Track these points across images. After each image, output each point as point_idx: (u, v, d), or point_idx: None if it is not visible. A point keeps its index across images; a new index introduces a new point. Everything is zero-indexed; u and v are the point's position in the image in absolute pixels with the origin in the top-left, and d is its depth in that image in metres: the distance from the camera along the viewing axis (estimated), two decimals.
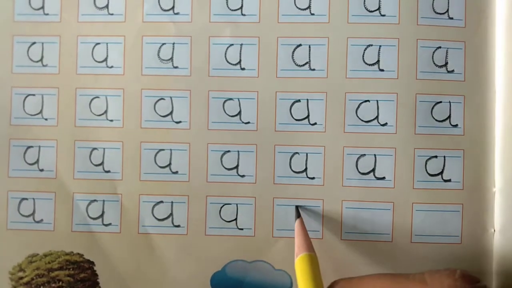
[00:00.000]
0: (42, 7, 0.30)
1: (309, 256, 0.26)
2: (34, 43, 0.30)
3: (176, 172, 0.29)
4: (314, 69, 0.29)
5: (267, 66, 0.29)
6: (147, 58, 0.30)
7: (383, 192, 0.29)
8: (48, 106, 0.30)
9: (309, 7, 0.29)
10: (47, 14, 0.30)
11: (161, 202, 0.29)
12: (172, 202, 0.29)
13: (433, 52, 0.29)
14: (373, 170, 0.29)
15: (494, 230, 0.28)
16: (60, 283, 0.29)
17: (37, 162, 0.30)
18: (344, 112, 0.29)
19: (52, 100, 0.30)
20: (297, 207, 0.29)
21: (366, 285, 0.24)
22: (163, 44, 0.30)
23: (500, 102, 0.28)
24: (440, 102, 0.29)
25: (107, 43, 0.30)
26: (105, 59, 0.30)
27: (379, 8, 0.29)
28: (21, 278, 0.30)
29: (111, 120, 0.30)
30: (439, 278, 0.23)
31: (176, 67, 0.30)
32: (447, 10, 0.29)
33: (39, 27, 0.30)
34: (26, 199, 0.30)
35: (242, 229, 0.29)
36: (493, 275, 0.28)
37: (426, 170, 0.29)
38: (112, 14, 0.30)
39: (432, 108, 0.29)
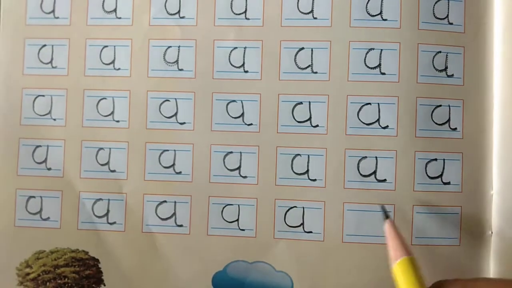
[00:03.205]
0: (53, 11, 0.32)
1: (410, 260, 0.25)
2: (44, 45, 0.32)
3: (179, 173, 0.31)
4: (316, 72, 0.30)
5: (270, 69, 0.31)
6: (153, 61, 0.31)
7: (384, 195, 0.30)
8: (56, 106, 0.32)
9: (311, 11, 0.31)
10: (57, 18, 0.32)
11: (165, 201, 0.31)
12: (175, 202, 0.31)
13: (433, 57, 0.30)
14: (374, 172, 0.30)
15: (492, 232, 0.29)
16: (66, 279, 0.31)
17: (45, 161, 0.32)
18: (346, 114, 0.30)
19: (61, 101, 0.32)
20: (383, 206, 0.28)
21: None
22: (169, 47, 0.31)
23: (498, 106, 0.30)
24: (440, 105, 0.30)
25: (114, 46, 0.32)
26: (113, 62, 0.32)
27: (380, 13, 0.30)
28: (28, 274, 0.31)
29: (118, 121, 0.32)
30: None
31: (181, 70, 0.31)
32: (447, 16, 0.30)
33: (50, 30, 0.32)
34: (34, 197, 0.32)
35: (243, 229, 0.31)
36: (490, 276, 0.29)
37: (426, 172, 0.30)
38: (120, 18, 0.32)
39: (432, 111, 0.30)
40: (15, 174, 0.32)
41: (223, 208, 0.31)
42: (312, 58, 0.31)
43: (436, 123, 0.30)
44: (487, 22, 0.30)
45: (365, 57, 0.30)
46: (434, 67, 0.30)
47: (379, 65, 0.30)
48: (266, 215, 0.30)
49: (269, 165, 0.30)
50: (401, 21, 0.30)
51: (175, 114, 0.31)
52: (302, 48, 0.31)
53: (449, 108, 0.30)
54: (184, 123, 0.31)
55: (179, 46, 0.31)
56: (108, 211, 0.31)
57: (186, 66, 0.31)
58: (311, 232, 0.30)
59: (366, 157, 0.30)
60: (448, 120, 0.30)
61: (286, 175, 0.30)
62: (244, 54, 0.31)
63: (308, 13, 0.31)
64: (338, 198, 0.30)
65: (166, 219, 0.31)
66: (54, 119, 0.32)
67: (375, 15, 0.30)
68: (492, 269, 0.29)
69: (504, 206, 0.29)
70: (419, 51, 0.30)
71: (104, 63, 0.32)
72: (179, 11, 0.31)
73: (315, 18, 0.31)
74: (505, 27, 0.30)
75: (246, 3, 0.31)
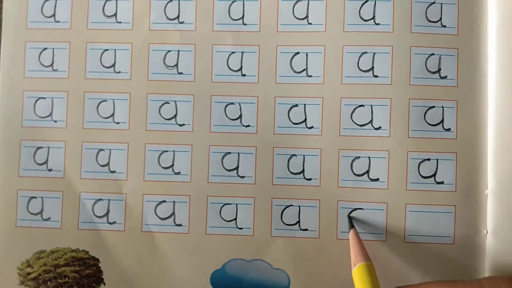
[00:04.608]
0: (54, 15, 0.34)
1: (367, 266, 0.28)
2: (45, 48, 0.33)
3: (178, 173, 0.32)
4: (311, 76, 0.32)
5: (266, 72, 0.32)
6: (153, 64, 0.33)
7: (377, 193, 0.31)
8: (57, 109, 0.33)
9: (306, 16, 0.32)
10: (58, 22, 0.34)
11: (164, 201, 0.32)
12: (174, 202, 0.32)
13: (426, 59, 0.31)
14: (367, 171, 0.31)
15: (487, 231, 0.31)
16: (66, 278, 0.32)
17: (46, 162, 0.33)
18: (340, 116, 0.32)
19: (62, 103, 0.33)
20: (350, 217, 0.31)
21: None
22: (169, 51, 0.33)
23: (491, 107, 0.31)
24: (433, 107, 0.31)
25: (115, 50, 0.33)
26: (113, 65, 0.33)
27: (373, 17, 0.32)
28: (29, 273, 0.32)
29: (118, 123, 0.33)
30: (497, 283, 0.25)
31: (180, 73, 0.33)
32: (440, 19, 0.32)
33: (51, 33, 0.34)
34: (35, 197, 0.33)
35: (241, 228, 0.32)
36: (485, 275, 0.30)
37: (419, 172, 0.31)
38: (120, 22, 0.33)
39: (425, 112, 0.31)
40: (17, 175, 0.33)
41: (221, 207, 0.32)
42: (307, 62, 0.32)
43: (429, 124, 0.31)
44: (481, 24, 0.31)
45: (358, 61, 0.32)
46: (427, 69, 0.31)
47: (372, 68, 0.32)
48: (263, 213, 0.32)
49: (266, 165, 0.32)
50: (393, 25, 0.32)
51: (175, 116, 0.32)
52: (298, 53, 0.32)
53: (443, 109, 0.31)
54: (184, 124, 0.32)
55: (178, 50, 0.33)
56: (108, 211, 0.32)
57: (186, 70, 0.32)
58: (306, 229, 0.31)
59: (359, 157, 0.31)
60: (442, 121, 0.31)
61: (282, 174, 0.32)
62: (241, 58, 0.32)
63: (303, 18, 0.32)
64: (332, 197, 0.31)
65: (165, 218, 0.32)
66: (55, 121, 0.33)
67: (368, 20, 0.32)
68: (487, 268, 0.30)
69: (500, 205, 0.30)
70: (412, 53, 0.31)
71: (104, 66, 0.33)
72: (178, 16, 0.33)
73: (310, 24, 0.32)
74: (499, 29, 0.31)
75: (243, 9, 0.32)
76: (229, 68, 0.32)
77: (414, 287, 0.27)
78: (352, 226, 0.30)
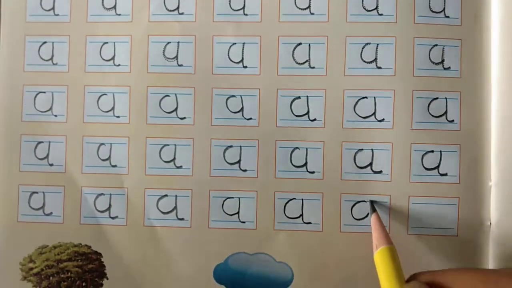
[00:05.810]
0: (53, 8, 0.33)
1: (389, 249, 0.27)
2: (45, 42, 0.33)
3: (180, 167, 0.32)
4: (313, 67, 0.31)
5: (268, 64, 0.32)
6: (153, 57, 0.32)
7: (380, 185, 0.31)
8: (57, 103, 0.33)
9: (309, 7, 0.31)
10: (57, 15, 0.33)
11: (166, 195, 0.32)
12: (176, 196, 0.32)
13: (430, 50, 0.31)
14: (371, 164, 0.31)
15: (490, 223, 0.30)
16: (69, 273, 0.32)
17: (47, 157, 0.32)
18: (343, 108, 0.31)
19: (62, 97, 0.33)
20: (371, 202, 0.30)
21: (451, 278, 0.25)
22: (168, 43, 0.32)
23: (495, 98, 0.31)
24: (437, 98, 0.31)
25: (114, 42, 0.32)
26: (113, 58, 0.32)
27: (376, 8, 0.31)
28: (31, 269, 0.32)
29: (118, 117, 0.32)
30: None
31: (180, 65, 0.32)
32: (444, 9, 0.31)
33: (50, 27, 0.33)
34: (36, 192, 0.32)
35: (244, 222, 0.31)
36: (489, 267, 0.30)
37: (423, 164, 0.31)
38: (119, 15, 0.32)
39: (429, 104, 0.31)
40: (18, 170, 0.33)
41: (224, 201, 0.31)
42: (309, 53, 0.31)
43: (432, 116, 0.31)
44: (484, 14, 0.31)
45: (362, 52, 0.31)
46: (431, 60, 0.31)
47: (375, 59, 0.31)
48: (266, 207, 0.31)
49: (268, 158, 0.31)
50: (397, 15, 0.31)
51: (175, 109, 0.32)
52: (300, 44, 0.31)
53: (446, 101, 0.31)
54: (184, 118, 0.32)
55: (178, 42, 0.32)
56: (110, 205, 0.32)
57: (186, 62, 0.32)
58: (310, 223, 0.31)
59: (362, 149, 0.31)
60: (445, 113, 0.31)
61: (285, 168, 0.31)
62: (242, 49, 0.32)
63: (305, 8, 0.31)
64: (335, 190, 0.31)
65: (168, 212, 0.32)
66: (55, 115, 0.33)
67: (371, 10, 0.31)
68: (490, 260, 0.30)
69: (503, 197, 0.30)
70: (415, 44, 0.31)
71: (104, 60, 0.32)
72: (178, 7, 0.32)
73: (312, 14, 0.31)
74: (502, 19, 0.31)
75: None
76: (230, 60, 0.32)
77: (439, 274, 0.26)
78: (374, 210, 0.30)
